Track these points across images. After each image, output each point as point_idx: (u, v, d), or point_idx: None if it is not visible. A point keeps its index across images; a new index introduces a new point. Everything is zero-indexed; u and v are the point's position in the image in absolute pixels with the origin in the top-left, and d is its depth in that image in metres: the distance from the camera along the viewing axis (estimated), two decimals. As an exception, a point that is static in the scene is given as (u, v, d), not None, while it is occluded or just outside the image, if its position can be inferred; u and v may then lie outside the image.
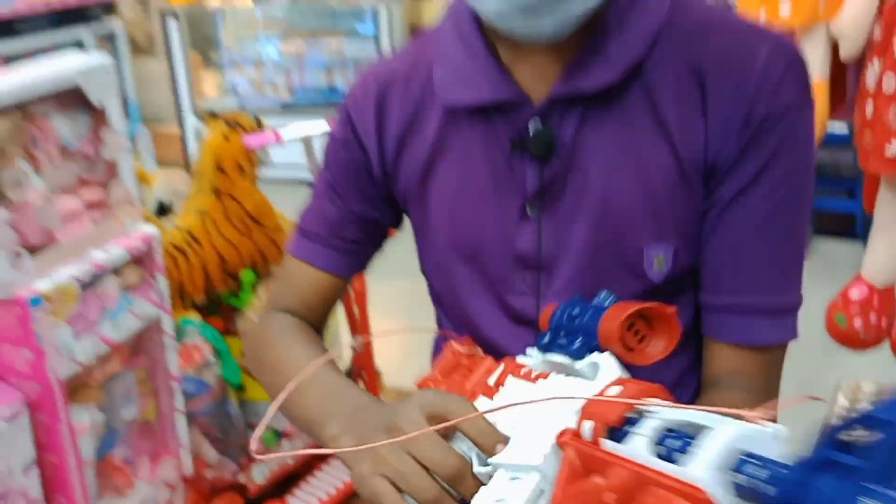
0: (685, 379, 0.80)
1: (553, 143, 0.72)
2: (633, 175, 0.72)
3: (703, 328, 0.77)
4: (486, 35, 0.74)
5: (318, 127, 1.81)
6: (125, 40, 2.17)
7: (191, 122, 4.82)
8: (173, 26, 4.66)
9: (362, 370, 1.85)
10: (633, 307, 0.54)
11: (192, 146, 4.77)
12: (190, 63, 4.79)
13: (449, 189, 0.79)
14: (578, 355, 0.55)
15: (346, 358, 1.97)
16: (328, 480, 1.81)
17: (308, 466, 1.83)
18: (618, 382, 0.48)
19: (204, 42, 5.16)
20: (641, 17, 0.70)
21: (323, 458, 1.87)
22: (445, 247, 0.79)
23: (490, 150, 0.76)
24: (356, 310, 1.80)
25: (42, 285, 1.33)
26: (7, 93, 1.25)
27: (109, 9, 2.18)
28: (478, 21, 0.74)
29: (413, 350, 2.60)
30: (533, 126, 0.73)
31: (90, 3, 2.09)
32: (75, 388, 1.47)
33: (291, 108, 4.91)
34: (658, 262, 0.73)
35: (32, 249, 1.33)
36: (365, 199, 0.85)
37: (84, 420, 1.44)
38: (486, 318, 0.80)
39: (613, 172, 0.72)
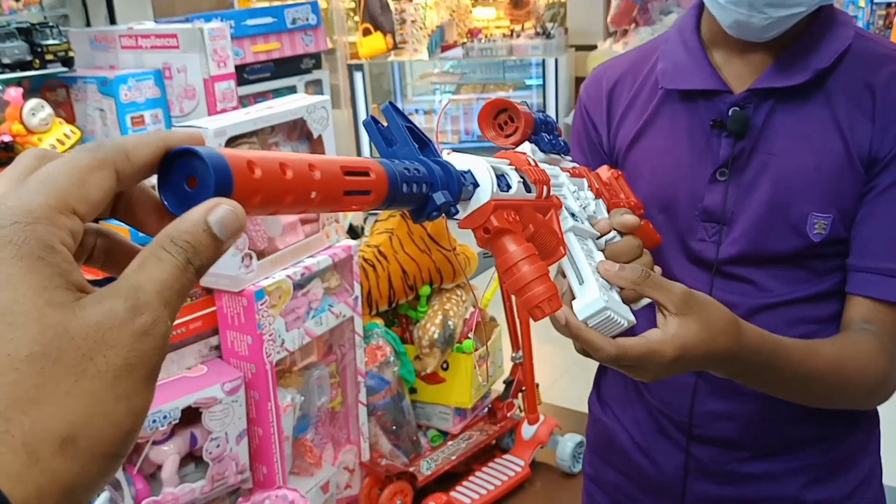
0: (828, 324, 0.96)
1: (748, 123, 0.94)
2: (808, 156, 0.92)
3: (848, 286, 0.94)
4: (701, 42, 1.00)
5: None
6: (329, 88, 2.50)
7: (368, 164, 5.24)
8: (359, 78, 5.12)
9: (522, 382, 2.02)
10: (496, 103, 0.74)
11: (369, 186, 5.19)
12: (371, 112, 5.24)
13: (654, 153, 1.02)
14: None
15: (506, 370, 2.14)
16: (486, 479, 1.97)
17: (468, 466, 2.00)
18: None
19: (383, 93, 5.60)
20: (833, 39, 0.93)
21: (483, 461, 2.03)
22: (645, 198, 1.00)
23: (692, 126, 0.98)
24: (518, 323, 1.97)
25: (264, 283, 1.60)
26: (251, 121, 1.54)
27: (317, 61, 2.52)
28: (697, 32, 1.00)
29: (567, 367, 2.73)
30: (731, 110, 0.94)
31: (302, 54, 2.43)
32: (281, 373, 1.73)
33: (458, 152, 5.21)
34: (819, 226, 0.92)
35: (258, 253, 1.61)
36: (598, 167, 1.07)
37: (287, 400, 1.70)
38: (670, 258, 1.00)
39: (792, 153, 0.93)
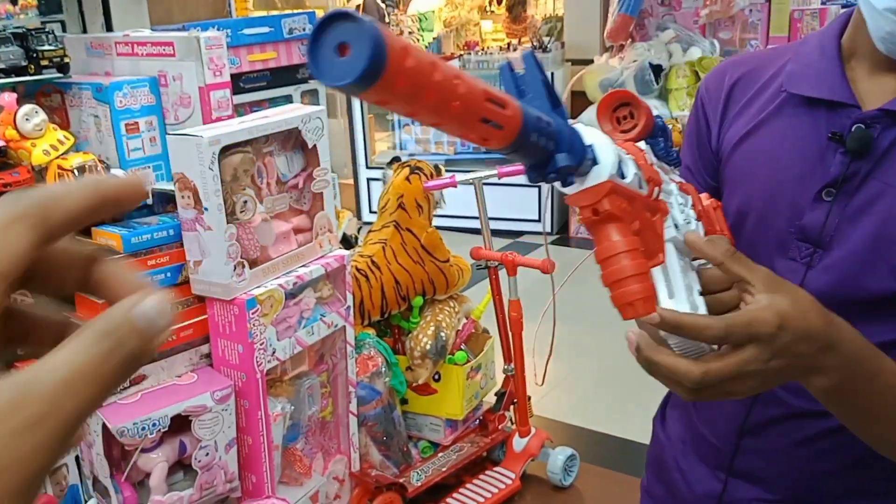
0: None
1: (870, 144, 0.86)
2: None
3: None
4: (840, 51, 0.91)
5: (487, 173, 2.03)
6: (324, 97, 2.51)
7: (364, 174, 5.24)
8: (354, 88, 5.15)
9: (513, 395, 2.01)
10: (619, 94, 0.70)
11: (364, 196, 5.19)
12: (367, 122, 5.25)
13: (760, 156, 0.95)
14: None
15: (498, 382, 2.14)
16: (477, 491, 1.97)
17: (459, 478, 2.00)
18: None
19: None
20: None
21: (474, 473, 2.03)
22: (741, 204, 0.93)
23: (807, 136, 0.91)
24: (511, 336, 1.98)
25: (256, 291, 1.60)
26: (246, 130, 1.55)
27: (313, 70, 2.53)
28: (838, 39, 0.92)
29: (560, 380, 2.73)
30: (854, 127, 0.86)
31: (298, 64, 2.43)
32: (271, 382, 1.73)
33: (453, 163, 5.22)
34: None
35: (251, 262, 1.61)
36: (705, 166, 1.02)
37: (277, 410, 1.69)
38: None
39: None
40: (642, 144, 0.69)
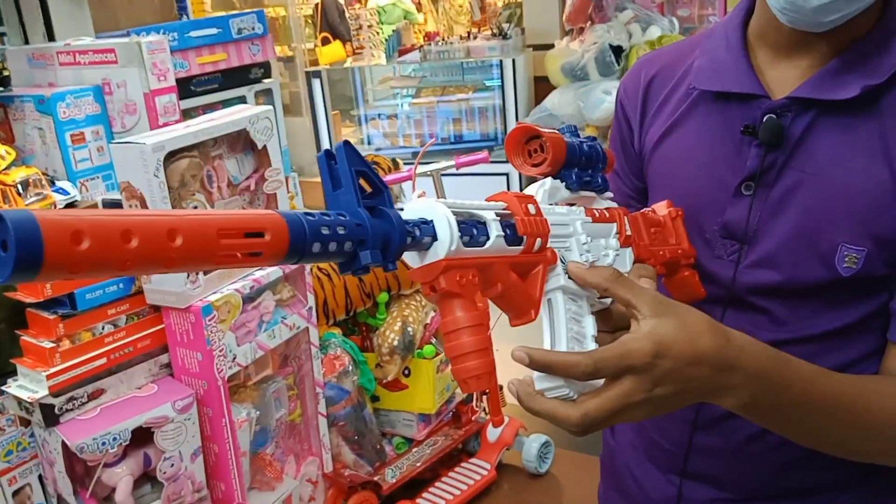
0: (862, 365, 0.86)
1: (782, 134, 0.84)
2: (846, 179, 0.81)
3: (890, 333, 0.83)
4: (745, 41, 0.89)
5: (444, 164, 2.01)
6: (279, 96, 2.48)
7: (331, 172, 5.23)
8: (317, 85, 5.10)
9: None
10: (525, 129, 0.69)
11: (332, 194, 5.19)
12: (331, 118, 5.22)
13: (678, 156, 0.93)
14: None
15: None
16: (453, 484, 1.96)
17: (435, 472, 1.99)
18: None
19: (343, 100, 5.58)
20: (888, 55, 0.81)
21: (449, 466, 2.02)
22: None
23: (721, 131, 0.90)
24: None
25: (212, 297, 1.57)
26: (191, 135, 1.52)
27: (267, 70, 2.50)
28: (743, 28, 0.90)
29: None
30: (766, 117, 0.84)
31: (250, 64, 2.40)
32: (235, 388, 1.70)
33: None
34: (849, 259, 0.81)
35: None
36: (632, 170, 1.01)
37: (242, 416, 1.67)
38: None
39: (829, 173, 0.82)
40: (547, 182, 0.69)
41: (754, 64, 0.88)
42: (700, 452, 0.93)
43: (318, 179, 2.34)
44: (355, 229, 0.46)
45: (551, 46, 4.92)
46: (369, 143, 5.56)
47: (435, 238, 0.52)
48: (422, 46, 5.40)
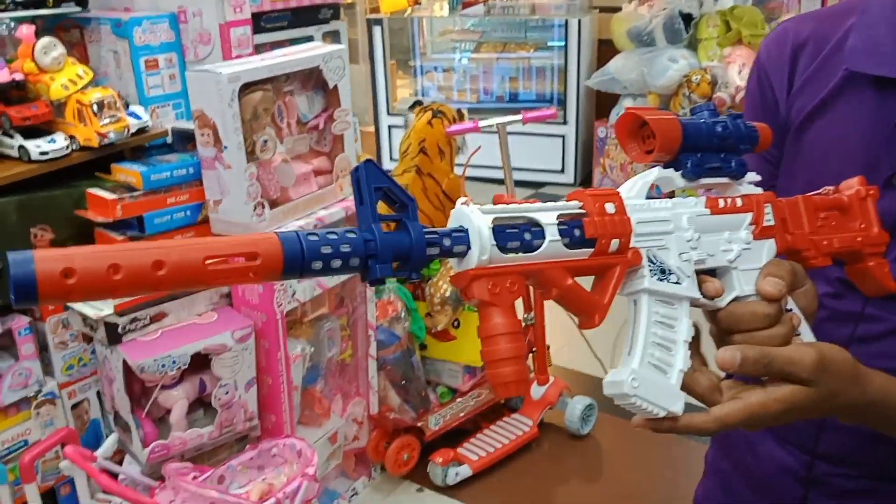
0: None
1: None
2: None
3: None
4: None
5: (511, 118, 1.99)
6: (346, 39, 2.46)
7: (385, 121, 5.20)
8: (377, 33, 5.06)
9: (533, 343, 2.00)
10: (632, 115, 0.64)
11: (385, 143, 5.15)
12: (389, 68, 5.18)
13: (825, 139, 0.87)
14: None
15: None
16: (494, 437, 1.97)
17: (476, 423, 2.00)
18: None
19: (401, 50, 5.54)
20: None
21: (491, 419, 2.03)
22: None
23: (874, 119, 0.83)
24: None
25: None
26: (266, 68, 1.51)
27: (336, 12, 2.48)
28: None
29: (580, 331, 2.73)
30: None
31: (320, 4, 2.39)
32: (291, 324, 1.72)
33: (475, 111, 5.16)
34: None
35: (271, 203, 1.59)
36: (774, 140, 0.96)
37: (297, 351, 1.69)
38: (826, 268, 0.83)
39: None
40: (652, 172, 0.63)
41: None
42: (834, 430, 0.90)
43: (373, 129, 2.36)
44: (362, 245, 0.47)
45: (619, 9, 4.81)
46: (424, 95, 5.52)
47: (469, 247, 0.52)
48: (486, 1, 5.32)
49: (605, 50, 4.94)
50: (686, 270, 0.63)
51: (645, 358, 0.61)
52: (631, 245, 0.59)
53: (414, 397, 1.90)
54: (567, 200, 0.58)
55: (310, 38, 2.42)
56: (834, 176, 0.79)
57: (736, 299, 0.65)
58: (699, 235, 0.65)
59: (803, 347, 0.63)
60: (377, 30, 5.10)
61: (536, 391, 2.11)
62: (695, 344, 0.63)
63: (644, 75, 4.52)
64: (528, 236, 0.55)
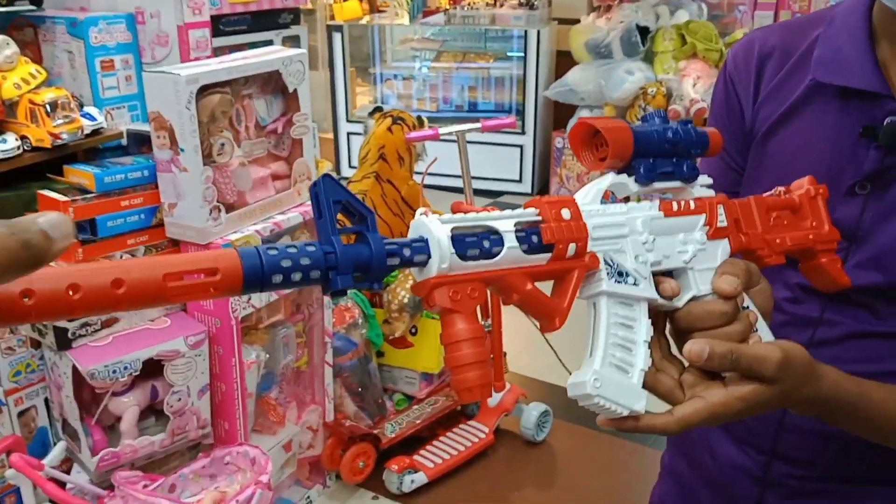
0: None
1: None
2: None
3: None
4: (870, 31, 0.84)
5: (470, 126, 2.00)
6: (307, 44, 2.45)
7: (344, 128, 5.18)
8: (337, 39, 5.05)
9: (489, 350, 2.01)
10: (584, 125, 0.65)
11: (344, 150, 5.13)
12: (349, 75, 5.17)
13: (790, 148, 0.89)
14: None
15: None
16: (450, 444, 1.97)
17: (433, 431, 2.00)
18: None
19: (362, 56, 5.53)
20: None
21: (448, 426, 2.03)
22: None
23: (839, 128, 0.85)
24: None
25: (232, 237, 1.57)
26: (225, 70, 1.50)
27: (296, 17, 2.47)
28: (867, 18, 0.84)
29: (536, 337, 2.74)
30: (888, 120, 0.80)
31: (280, 8, 2.38)
32: (247, 329, 1.70)
33: (435, 120, 5.17)
34: None
35: (227, 207, 1.57)
36: (738, 147, 0.98)
37: (251, 357, 1.67)
38: (787, 271, 0.85)
39: None
40: (606, 179, 0.65)
41: (879, 58, 0.83)
42: (791, 431, 0.91)
43: (331, 136, 2.35)
44: (322, 258, 0.48)
45: (577, 21, 4.87)
46: (384, 103, 5.52)
47: (430, 256, 0.53)
48: (447, 9, 5.34)
49: (564, 61, 5.00)
50: (642, 272, 0.64)
51: (606, 359, 0.62)
52: (588, 249, 0.60)
53: (370, 405, 1.90)
54: (524, 208, 0.60)
55: (269, 42, 2.41)
56: (802, 177, 0.81)
57: (693, 299, 0.66)
58: (654, 238, 0.66)
59: (769, 346, 0.65)
60: (337, 36, 5.09)
61: (493, 398, 2.12)
62: (656, 343, 0.65)
63: (601, 87, 4.58)
64: (486, 244, 0.56)
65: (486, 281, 0.55)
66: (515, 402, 2.14)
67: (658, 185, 0.67)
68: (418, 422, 1.96)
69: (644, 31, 4.60)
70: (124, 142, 1.71)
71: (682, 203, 0.69)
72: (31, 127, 1.52)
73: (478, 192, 4.82)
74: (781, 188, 0.78)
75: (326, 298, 1.76)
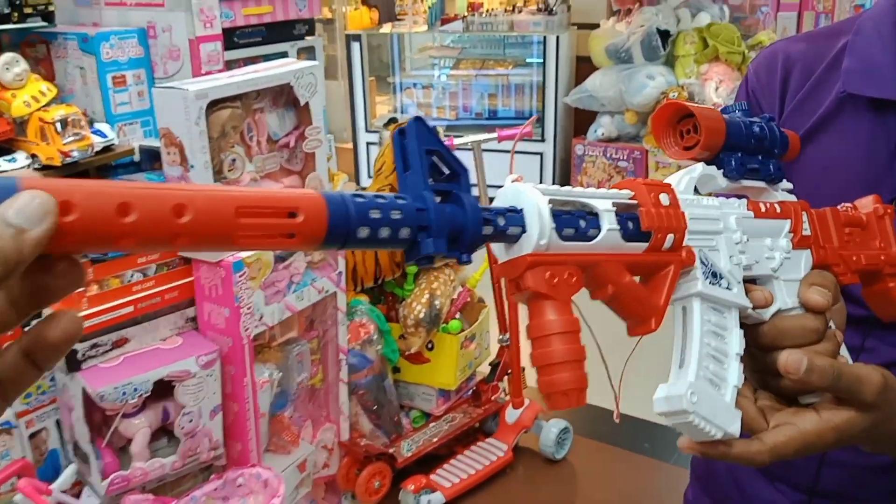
0: None
1: None
2: None
3: None
4: None
5: (486, 136, 1.96)
6: (322, 55, 2.43)
7: (364, 138, 5.17)
8: (356, 49, 5.05)
9: (508, 365, 1.97)
10: (675, 106, 0.59)
11: (363, 160, 5.12)
12: (368, 84, 5.16)
13: (819, 164, 0.85)
14: None
15: (492, 352, 2.09)
16: (468, 463, 1.93)
17: (450, 448, 1.96)
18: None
19: (380, 66, 5.53)
20: None
21: (466, 444, 1.99)
22: None
23: (873, 142, 0.82)
24: (506, 305, 1.93)
25: (244, 254, 1.54)
26: (235, 84, 1.48)
27: (311, 27, 2.45)
28: None
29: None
30: None
31: (295, 20, 2.36)
32: (260, 348, 1.68)
33: (454, 128, 5.15)
34: None
35: (239, 223, 1.54)
36: None
37: (264, 376, 1.65)
38: None
39: None
40: (697, 168, 0.59)
41: None
42: (833, 465, 0.86)
43: (350, 146, 2.31)
44: (414, 214, 0.41)
45: (597, 26, 4.82)
46: (403, 113, 5.50)
47: (524, 230, 0.46)
48: (465, 17, 5.31)
49: (584, 67, 4.96)
50: (736, 275, 0.59)
51: (700, 371, 0.55)
52: (684, 243, 0.54)
53: (386, 422, 1.86)
54: (616, 187, 0.53)
55: (284, 54, 2.40)
56: (834, 198, 0.76)
57: (779, 312, 0.61)
58: (747, 238, 0.61)
59: (868, 367, 0.59)
60: (356, 46, 5.09)
61: (511, 414, 2.08)
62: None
63: (622, 92, 4.53)
64: (583, 224, 0.48)
65: (583, 265, 0.49)
66: (535, 418, 2.09)
67: (746, 182, 0.62)
68: (435, 440, 1.92)
69: (665, 35, 4.55)
70: (137, 158, 1.70)
71: (769, 205, 0.63)
72: (42, 145, 1.50)
73: (497, 201, 4.82)
74: (848, 204, 0.73)
75: (341, 315, 1.73)
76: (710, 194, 0.61)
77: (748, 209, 0.61)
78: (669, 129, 0.60)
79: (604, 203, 0.49)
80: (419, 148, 0.43)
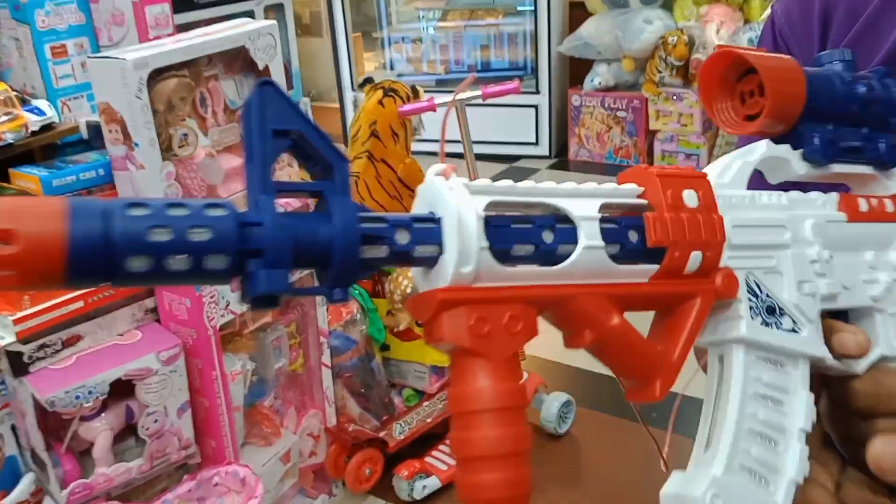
0: None
1: None
2: None
3: None
4: None
5: (469, 94, 1.81)
6: (291, 12, 2.26)
7: (350, 97, 4.99)
8: (338, 5, 4.84)
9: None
10: (733, 55, 0.40)
11: (350, 121, 4.96)
12: (352, 41, 4.96)
13: None
14: None
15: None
16: (464, 446, 1.82)
17: (445, 428, 1.85)
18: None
19: (367, 21, 5.31)
20: None
21: (460, 425, 1.87)
22: None
23: None
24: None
25: (204, 237, 1.41)
26: (181, 50, 1.33)
27: (278, -19, 2.27)
28: None
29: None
30: None
31: (260, -25, 2.18)
32: (229, 337, 1.55)
33: (446, 83, 4.96)
34: None
35: (197, 203, 1.41)
36: None
37: (235, 368, 1.52)
38: None
39: None
40: (758, 148, 0.41)
41: None
42: None
43: (335, 105, 2.10)
44: (235, 233, 0.27)
45: (589, -31, 4.61)
46: (392, 69, 5.31)
47: (442, 248, 0.30)
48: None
49: (577, 14, 4.75)
50: (807, 310, 0.40)
51: (735, 457, 0.37)
52: (721, 263, 0.37)
53: (376, 404, 1.75)
54: (619, 183, 0.37)
55: (250, 13, 2.23)
56: None
57: (882, 360, 0.42)
58: (830, 254, 0.42)
59: None
60: (337, 2, 4.87)
61: (510, 389, 1.96)
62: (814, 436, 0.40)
63: (618, 39, 4.33)
64: (548, 237, 0.33)
65: (539, 302, 0.33)
66: (535, 392, 1.98)
67: (837, 168, 0.42)
68: (429, 420, 1.81)
69: (661, -24, 4.34)
70: (85, 135, 1.55)
71: (875, 202, 0.44)
72: (-30, 127, 1.36)
73: (492, 158, 4.61)
74: None
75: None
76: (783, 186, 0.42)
77: (839, 209, 0.43)
78: (724, 90, 0.41)
79: (584, 206, 0.33)
80: (262, 127, 0.27)
